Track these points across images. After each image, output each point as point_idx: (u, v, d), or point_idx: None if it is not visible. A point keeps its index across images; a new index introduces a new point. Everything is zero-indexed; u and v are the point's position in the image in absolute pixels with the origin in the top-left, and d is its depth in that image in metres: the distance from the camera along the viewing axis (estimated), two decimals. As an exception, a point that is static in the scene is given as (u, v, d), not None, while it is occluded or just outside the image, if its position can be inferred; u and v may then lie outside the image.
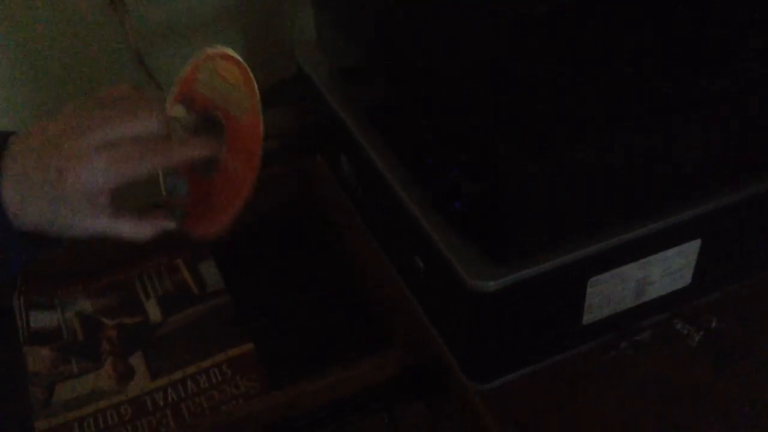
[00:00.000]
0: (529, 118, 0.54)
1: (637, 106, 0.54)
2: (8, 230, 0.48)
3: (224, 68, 0.55)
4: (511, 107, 0.55)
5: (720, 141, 0.57)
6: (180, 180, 0.58)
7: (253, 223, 0.89)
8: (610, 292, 0.59)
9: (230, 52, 0.54)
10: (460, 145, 0.55)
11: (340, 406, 0.72)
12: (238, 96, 0.54)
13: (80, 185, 0.48)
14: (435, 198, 0.60)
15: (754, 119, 0.58)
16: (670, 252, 0.59)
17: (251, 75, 0.53)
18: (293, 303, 0.83)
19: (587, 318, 0.60)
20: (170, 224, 0.55)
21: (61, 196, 0.48)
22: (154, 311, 0.83)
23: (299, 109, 0.88)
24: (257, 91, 0.53)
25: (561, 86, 0.56)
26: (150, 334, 0.80)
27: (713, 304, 0.64)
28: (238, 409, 0.71)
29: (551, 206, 0.54)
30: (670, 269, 0.61)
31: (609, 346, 0.63)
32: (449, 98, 0.57)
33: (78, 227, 0.50)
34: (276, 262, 0.88)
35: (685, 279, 0.62)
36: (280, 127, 0.88)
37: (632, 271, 0.59)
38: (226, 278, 0.85)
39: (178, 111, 0.56)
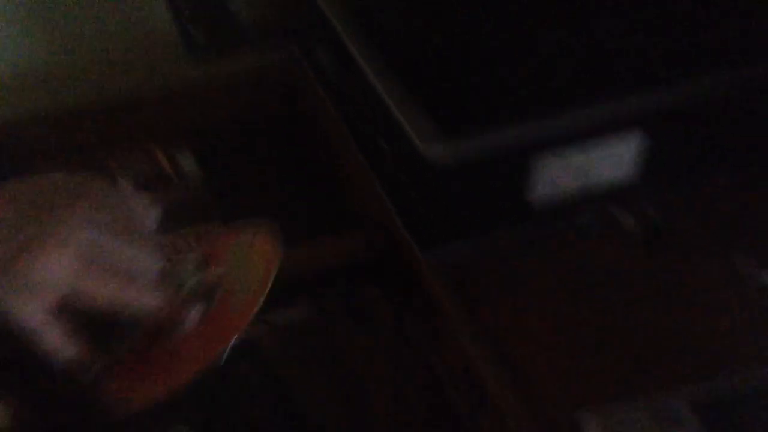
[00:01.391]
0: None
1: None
2: None
3: (259, 247, 0.51)
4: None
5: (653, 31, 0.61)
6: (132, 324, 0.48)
7: (230, 114, 0.93)
8: (554, 173, 0.64)
9: (272, 237, 0.51)
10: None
11: (301, 284, 0.76)
12: (251, 277, 0.49)
13: (31, 274, 0.40)
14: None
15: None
16: (612, 140, 0.63)
17: (275, 268, 0.49)
18: (267, 188, 0.87)
19: (531, 198, 0.65)
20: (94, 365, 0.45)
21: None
22: (128, 192, 0.86)
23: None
24: (269, 285, 0.48)
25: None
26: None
27: (651, 194, 0.69)
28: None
29: (502, 80, 0.58)
30: (611, 157, 0.65)
31: (552, 230, 0.67)
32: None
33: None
34: (251, 151, 0.91)
35: (625, 169, 0.66)
36: (261, 21, 0.91)
37: (575, 154, 0.63)
38: (202, 166, 0.89)
39: (186, 262, 0.51)
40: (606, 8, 0.68)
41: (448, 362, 0.69)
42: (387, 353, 0.81)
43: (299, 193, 0.87)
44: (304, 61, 0.86)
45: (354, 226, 0.80)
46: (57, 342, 0.43)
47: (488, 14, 0.68)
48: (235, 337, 0.46)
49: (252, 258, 0.50)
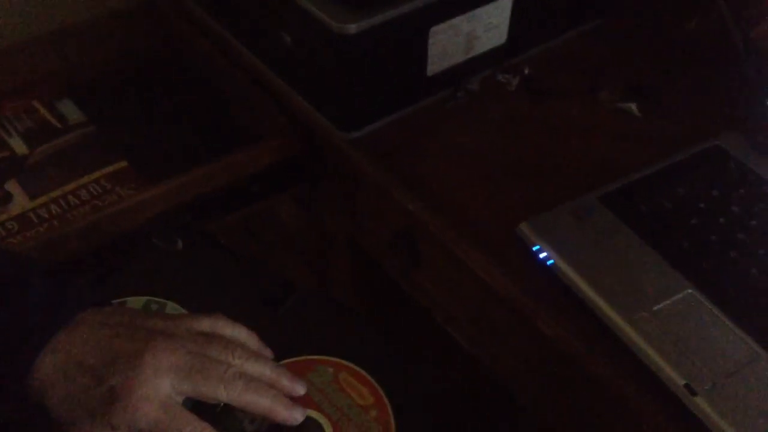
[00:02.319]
0: None
1: None
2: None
3: (350, 384, 0.50)
4: None
5: None
6: None
7: (108, 60, 0.92)
8: (446, 44, 0.72)
9: (362, 372, 0.49)
10: None
11: (219, 194, 0.79)
12: (363, 420, 0.48)
13: (120, 420, 0.45)
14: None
15: None
16: (490, 6, 0.72)
17: (385, 398, 0.47)
18: (157, 123, 0.88)
19: (431, 69, 0.73)
20: None
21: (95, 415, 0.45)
22: (18, 145, 0.84)
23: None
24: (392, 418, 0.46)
25: None
26: (20, 164, 0.82)
27: (527, 59, 0.79)
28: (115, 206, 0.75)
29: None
30: (490, 25, 0.74)
31: (448, 97, 0.76)
32: None
33: None
34: (136, 93, 0.91)
35: (502, 36, 0.76)
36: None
37: (462, 23, 0.72)
38: (87, 113, 0.88)
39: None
40: None
41: (382, 230, 0.76)
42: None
43: (193, 130, 0.89)
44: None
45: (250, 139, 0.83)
46: None
47: None
48: None
49: (348, 395, 0.49)
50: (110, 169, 0.82)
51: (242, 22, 0.79)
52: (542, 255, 0.61)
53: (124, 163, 0.82)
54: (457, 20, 0.71)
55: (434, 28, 0.70)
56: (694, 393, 0.51)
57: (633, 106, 0.75)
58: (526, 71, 0.78)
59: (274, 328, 0.55)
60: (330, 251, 0.90)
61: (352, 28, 0.64)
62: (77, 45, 0.90)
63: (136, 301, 0.58)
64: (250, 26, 0.78)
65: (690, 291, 0.57)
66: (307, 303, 0.60)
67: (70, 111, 0.88)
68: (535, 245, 0.61)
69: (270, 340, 0.53)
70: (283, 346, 0.54)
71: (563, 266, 0.60)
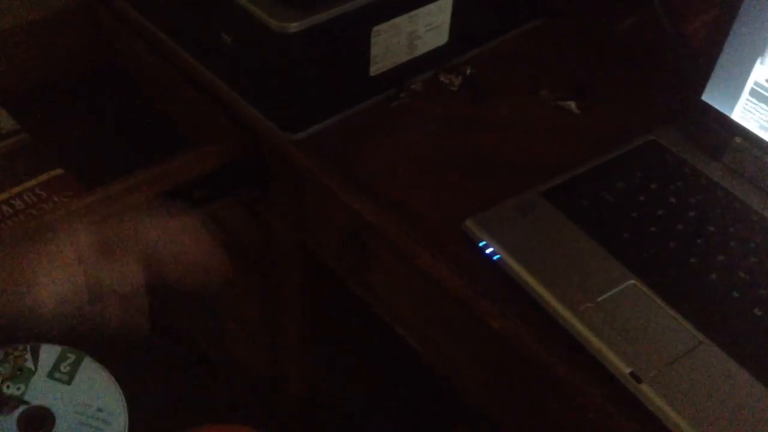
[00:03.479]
0: None
1: None
2: None
3: None
4: None
5: None
6: None
7: (41, 66, 0.89)
8: (389, 44, 0.72)
9: None
10: None
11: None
12: None
13: None
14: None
15: None
16: (431, 6, 0.73)
17: None
18: (93, 127, 0.86)
19: (374, 69, 0.73)
20: None
21: None
22: (-54, 155, 0.81)
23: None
24: None
25: None
26: (-52, 174, 0.78)
27: (468, 60, 0.80)
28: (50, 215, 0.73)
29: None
30: (432, 25, 0.74)
31: (392, 97, 0.76)
32: None
33: None
34: (71, 99, 0.89)
35: (444, 36, 0.77)
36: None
37: (404, 23, 0.72)
38: (20, 121, 0.85)
39: None
40: None
41: (331, 233, 0.75)
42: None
43: (134, 135, 0.87)
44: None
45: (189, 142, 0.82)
46: None
47: None
48: None
49: None
50: (45, 177, 0.79)
51: (180, 23, 0.78)
52: (488, 250, 0.61)
53: (60, 171, 0.80)
54: (398, 20, 0.71)
55: (376, 28, 0.70)
56: (639, 380, 0.52)
57: (572, 104, 0.76)
58: (469, 71, 0.78)
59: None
60: (280, 257, 0.89)
61: (293, 27, 0.64)
62: (7, 51, 0.87)
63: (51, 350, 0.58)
64: (189, 28, 0.77)
65: (632, 281, 0.58)
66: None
67: (2, 119, 0.85)
68: (481, 241, 0.62)
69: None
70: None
71: (509, 260, 0.60)
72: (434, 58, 0.77)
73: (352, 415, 1.02)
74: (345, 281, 0.78)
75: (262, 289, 0.96)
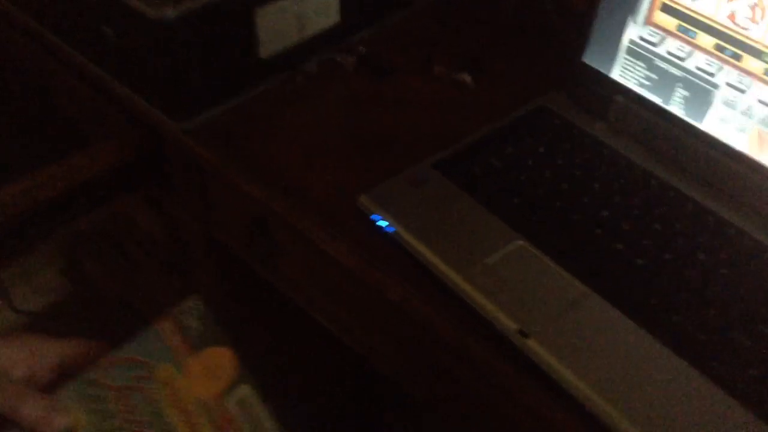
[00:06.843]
0: None
1: None
2: None
3: None
4: None
5: None
6: None
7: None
8: (277, 26, 0.72)
9: None
10: None
11: (54, 203, 0.75)
12: None
13: None
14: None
15: None
16: (316, -13, 0.73)
17: None
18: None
19: (263, 51, 0.72)
20: None
21: None
22: None
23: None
24: None
25: None
26: None
27: (363, 39, 0.80)
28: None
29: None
30: (320, 5, 0.75)
31: (287, 80, 0.76)
32: None
33: None
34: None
35: (334, 16, 0.77)
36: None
37: (290, 4, 0.72)
38: None
39: None
40: None
41: (237, 222, 0.75)
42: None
43: (29, 135, 0.85)
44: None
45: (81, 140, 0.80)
46: None
47: None
48: None
49: None
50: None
51: (63, 20, 0.76)
52: (383, 224, 0.62)
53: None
54: (283, 2, 0.71)
55: (260, 10, 0.69)
56: (526, 336, 0.54)
57: (467, 77, 0.77)
58: (363, 50, 0.79)
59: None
60: (191, 252, 0.88)
61: (170, 14, 0.63)
62: None
63: None
64: (72, 24, 0.75)
65: (521, 242, 0.59)
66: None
67: None
68: (375, 215, 0.62)
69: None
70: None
71: (403, 232, 0.61)
72: (327, 39, 0.78)
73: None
74: (256, 270, 0.78)
75: (183, 287, 0.95)
